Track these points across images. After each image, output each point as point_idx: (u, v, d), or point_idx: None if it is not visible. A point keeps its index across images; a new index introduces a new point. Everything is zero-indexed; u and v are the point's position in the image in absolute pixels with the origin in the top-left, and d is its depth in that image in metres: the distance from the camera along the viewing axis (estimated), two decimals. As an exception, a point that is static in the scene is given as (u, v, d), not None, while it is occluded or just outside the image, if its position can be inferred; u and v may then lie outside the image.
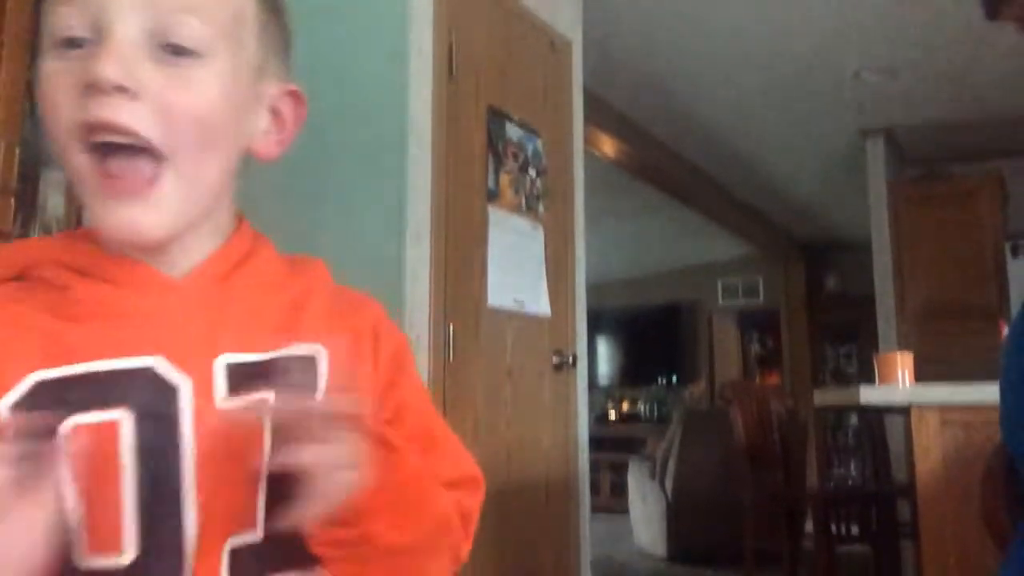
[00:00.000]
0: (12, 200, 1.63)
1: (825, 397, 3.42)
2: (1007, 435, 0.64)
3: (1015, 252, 4.73)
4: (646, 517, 4.90)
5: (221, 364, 0.58)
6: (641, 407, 8.50)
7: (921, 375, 2.71)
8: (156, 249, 0.60)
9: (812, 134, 5.26)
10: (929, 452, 2.28)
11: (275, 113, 0.66)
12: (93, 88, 0.54)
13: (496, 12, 2.58)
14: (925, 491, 2.27)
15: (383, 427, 0.60)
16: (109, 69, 0.54)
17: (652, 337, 8.41)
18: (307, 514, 0.53)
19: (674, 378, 8.41)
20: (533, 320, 2.59)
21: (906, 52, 4.12)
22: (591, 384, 3.01)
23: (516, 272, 2.53)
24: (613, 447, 7.34)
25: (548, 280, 2.66)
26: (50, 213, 2.04)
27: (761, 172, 6.00)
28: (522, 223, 2.58)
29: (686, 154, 5.55)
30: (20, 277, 0.60)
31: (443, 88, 2.31)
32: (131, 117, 0.55)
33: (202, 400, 0.57)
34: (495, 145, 2.50)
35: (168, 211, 0.58)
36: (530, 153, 2.65)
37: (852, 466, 6.74)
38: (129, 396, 0.55)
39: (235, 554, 0.56)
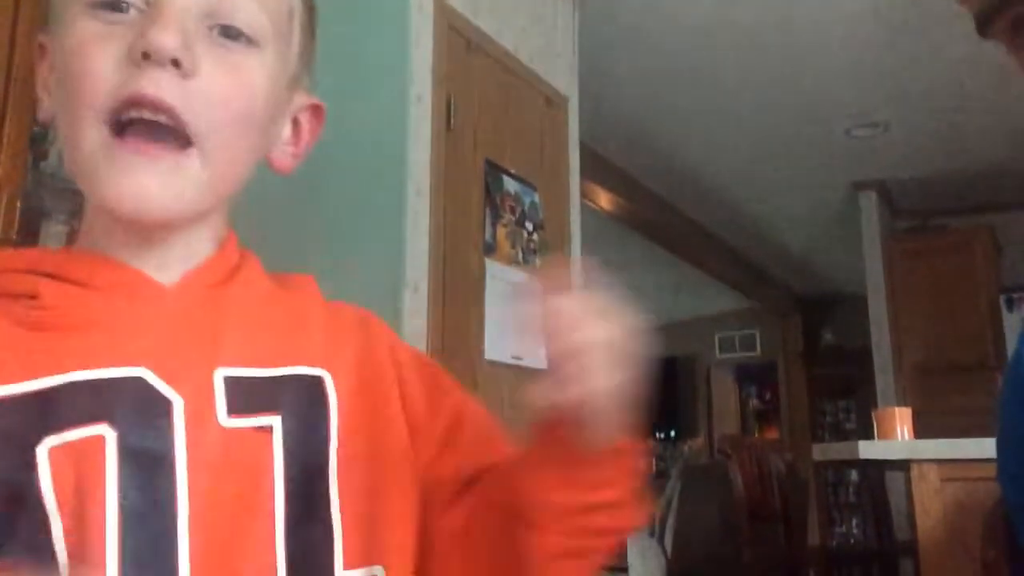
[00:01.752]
0: (11, 252, 1.63)
1: (824, 452, 3.39)
2: (1004, 489, 0.64)
3: (1010, 305, 4.75)
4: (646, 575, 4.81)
5: (220, 378, 0.51)
6: (639, 462, 8.41)
7: (920, 429, 2.70)
8: (157, 238, 0.54)
9: (805, 188, 5.32)
10: (930, 509, 2.25)
11: (295, 124, 0.62)
12: (145, 57, 0.49)
13: (494, 67, 2.63)
14: (927, 549, 2.24)
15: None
16: (169, 39, 0.49)
17: (649, 391, 8.36)
18: (592, 433, 0.48)
19: (672, 432, 8.35)
20: (530, 374, 2.58)
21: (897, 107, 4.19)
22: (588, 438, 2.98)
23: (514, 327, 2.52)
24: (611, 503, 7.25)
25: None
26: (49, 265, 2.04)
27: (756, 226, 6.05)
28: (520, 277, 2.59)
29: (682, 208, 5.60)
30: None
31: (441, 139, 2.34)
32: (178, 96, 0.50)
33: (200, 419, 0.50)
34: (492, 198, 2.52)
35: (188, 187, 0.52)
36: (527, 206, 2.67)
37: (853, 523, 6.65)
38: (114, 410, 0.48)
39: None
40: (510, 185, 2.61)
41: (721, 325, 8.30)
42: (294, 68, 0.59)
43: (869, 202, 5.18)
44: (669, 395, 8.38)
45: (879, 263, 5.07)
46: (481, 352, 2.38)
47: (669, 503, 4.79)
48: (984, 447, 2.17)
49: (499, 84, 2.65)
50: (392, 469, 0.57)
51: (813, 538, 5.68)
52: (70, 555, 0.45)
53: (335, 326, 0.60)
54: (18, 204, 1.64)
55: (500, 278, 2.50)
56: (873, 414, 2.78)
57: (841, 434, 7.45)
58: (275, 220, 2.31)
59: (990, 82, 3.72)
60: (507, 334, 2.49)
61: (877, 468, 3.67)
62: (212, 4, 0.52)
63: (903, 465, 2.39)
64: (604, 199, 4.73)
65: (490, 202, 2.51)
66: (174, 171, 0.51)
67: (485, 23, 2.60)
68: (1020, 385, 0.63)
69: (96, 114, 0.50)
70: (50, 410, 0.47)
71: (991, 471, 0.67)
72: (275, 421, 0.52)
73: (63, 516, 0.46)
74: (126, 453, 0.47)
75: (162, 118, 0.50)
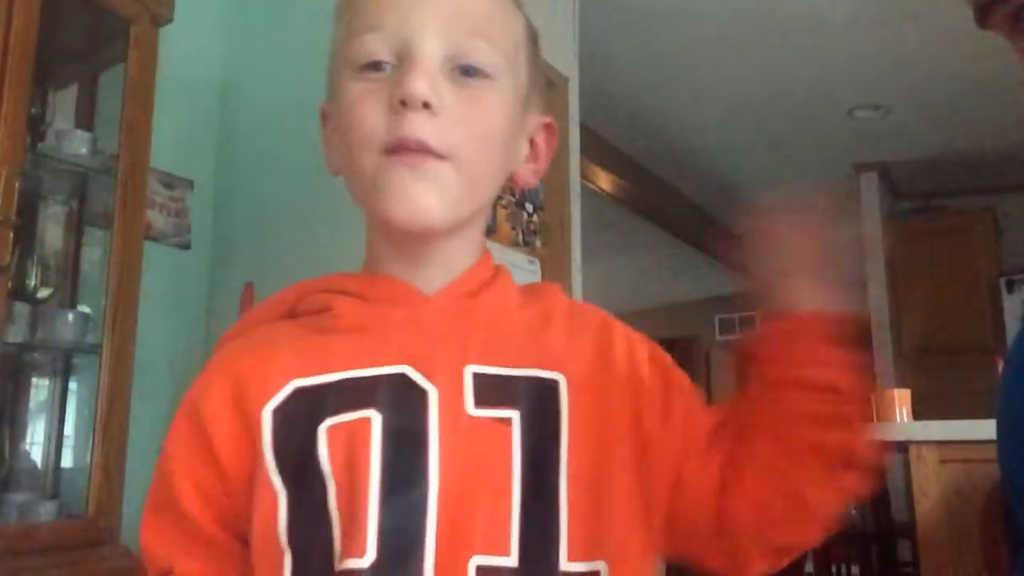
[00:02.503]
0: (11, 233, 1.63)
1: (823, 433, 3.39)
2: (1004, 471, 0.64)
3: (1010, 288, 4.75)
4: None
5: (469, 374, 0.60)
6: (638, 443, 8.45)
7: (918, 411, 2.70)
8: (429, 249, 0.64)
9: (806, 170, 5.30)
10: (928, 491, 2.26)
11: (532, 143, 0.71)
12: (403, 104, 0.59)
13: (494, 50, 2.62)
14: (925, 531, 2.25)
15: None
16: (420, 86, 0.59)
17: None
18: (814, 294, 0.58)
19: (671, 414, 8.37)
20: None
21: (899, 89, 4.17)
22: (588, 420, 2.99)
23: (513, 307, 2.53)
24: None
25: (545, 315, 2.66)
26: (48, 246, 2.04)
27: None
28: (519, 258, 2.59)
29: (682, 189, 5.59)
30: (291, 315, 0.67)
31: (441, 124, 2.33)
32: (430, 132, 0.60)
33: (450, 407, 0.59)
34: (493, 180, 2.52)
35: (446, 193, 0.61)
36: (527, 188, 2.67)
37: (851, 504, 6.68)
38: (380, 398, 0.58)
39: (481, 572, 0.55)
40: (510, 167, 2.61)
41: (721, 306, 8.31)
42: (524, 91, 0.68)
43: (870, 183, 5.17)
44: (669, 377, 8.40)
45: (879, 245, 5.07)
46: (481, 334, 2.39)
47: (668, 484, 4.81)
48: (983, 429, 2.18)
49: (499, 65, 2.64)
50: (618, 471, 0.62)
51: (811, 519, 5.71)
52: (341, 513, 0.56)
53: (576, 330, 0.68)
54: (16, 185, 1.64)
55: (500, 259, 2.49)
56: (872, 396, 2.78)
57: (840, 416, 7.48)
58: (280, 203, 2.30)
59: (992, 64, 3.70)
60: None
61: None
62: (453, 50, 0.62)
63: (902, 447, 2.40)
64: (604, 180, 4.71)
65: (490, 184, 2.51)
66: (435, 177, 0.60)
67: (485, 3, 2.58)
68: (1022, 366, 0.63)
69: (372, 149, 0.61)
70: (332, 398, 0.59)
71: (990, 453, 0.67)
72: (514, 415, 0.59)
73: (337, 482, 0.56)
74: (388, 432, 0.57)
75: (421, 155, 0.60)
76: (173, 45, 2.16)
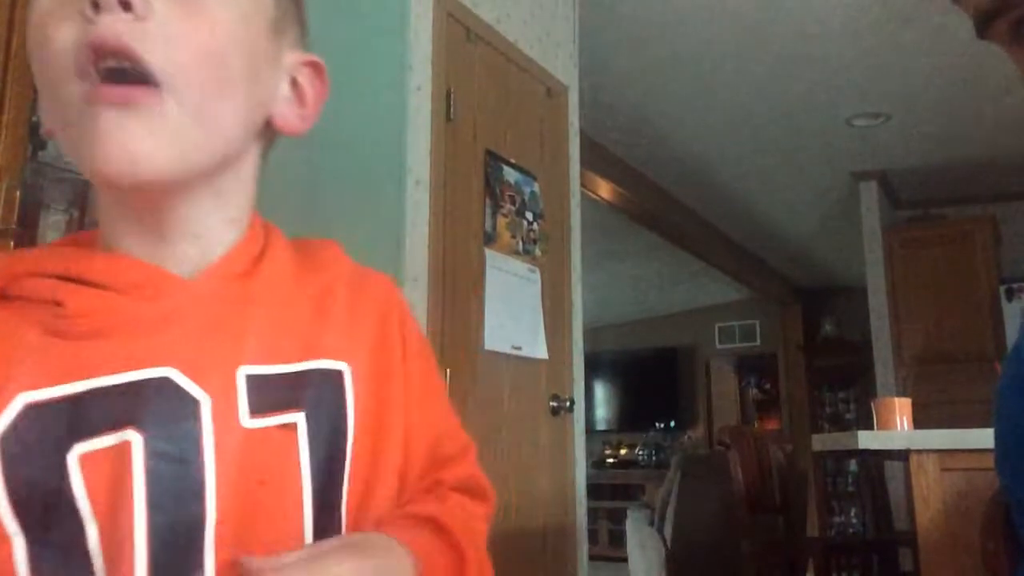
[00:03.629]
0: (11, 242, 1.63)
1: (823, 442, 3.39)
2: (1003, 479, 0.64)
3: (1010, 295, 4.75)
4: (645, 565, 4.82)
5: (242, 377, 0.51)
6: (639, 453, 8.43)
7: (919, 419, 2.70)
8: (165, 197, 0.52)
9: (806, 178, 5.31)
10: (929, 500, 2.26)
11: (295, 85, 0.60)
12: (96, 8, 0.47)
13: (494, 56, 2.62)
14: (926, 540, 2.24)
15: (431, 509, 0.57)
16: None
17: (649, 381, 8.38)
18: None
19: (672, 423, 8.36)
20: (530, 364, 2.58)
21: (898, 97, 4.18)
22: (588, 429, 2.99)
23: (513, 315, 2.53)
24: (610, 494, 7.27)
25: (545, 323, 2.66)
26: (48, 255, 2.04)
27: (756, 216, 6.05)
28: (519, 266, 2.59)
29: (682, 198, 5.59)
30: (2, 297, 0.52)
31: (441, 129, 2.33)
32: (134, 38, 0.48)
33: (224, 418, 0.49)
34: (492, 188, 2.52)
35: (171, 136, 0.49)
36: (527, 197, 2.67)
37: (852, 513, 6.66)
38: (141, 414, 0.48)
39: None
40: (510, 175, 2.61)
41: (721, 315, 8.31)
42: (272, 15, 0.56)
43: (870, 192, 5.17)
44: (669, 385, 8.40)
45: (879, 253, 5.07)
46: (481, 342, 2.39)
47: (669, 494, 4.80)
48: (984, 437, 2.17)
49: (499, 74, 2.65)
50: (385, 463, 0.58)
51: (812, 528, 5.70)
52: (105, 559, 0.46)
53: (359, 306, 0.59)
54: (17, 194, 1.64)
55: (500, 268, 2.50)
56: (872, 404, 2.78)
57: (841, 424, 7.47)
58: (274, 210, 2.30)
59: (992, 72, 3.71)
60: (507, 324, 2.49)
61: (876, 458, 3.67)
62: None
63: (902, 455, 2.40)
64: (604, 189, 4.72)
65: (490, 192, 2.51)
66: (150, 113, 0.49)
67: (485, 12, 2.59)
68: (1020, 374, 0.63)
69: (64, 75, 0.49)
70: (79, 416, 0.47)
71: (990, 461, 0.67)
72: (299, 417, 0.52)
73: (98, 521, 0.46)
74: (153, 457, 0.47)
75: (126, 64, 0.48)
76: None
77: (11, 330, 0.49)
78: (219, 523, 0.48)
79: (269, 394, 0.51)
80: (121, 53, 0.48)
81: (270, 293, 0.55)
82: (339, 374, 0.55)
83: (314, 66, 0.61)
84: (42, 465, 0.46)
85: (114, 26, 0.47)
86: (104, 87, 0.48)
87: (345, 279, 0.60)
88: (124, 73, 0.48)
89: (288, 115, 0.59)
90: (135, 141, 0.48)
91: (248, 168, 0.58)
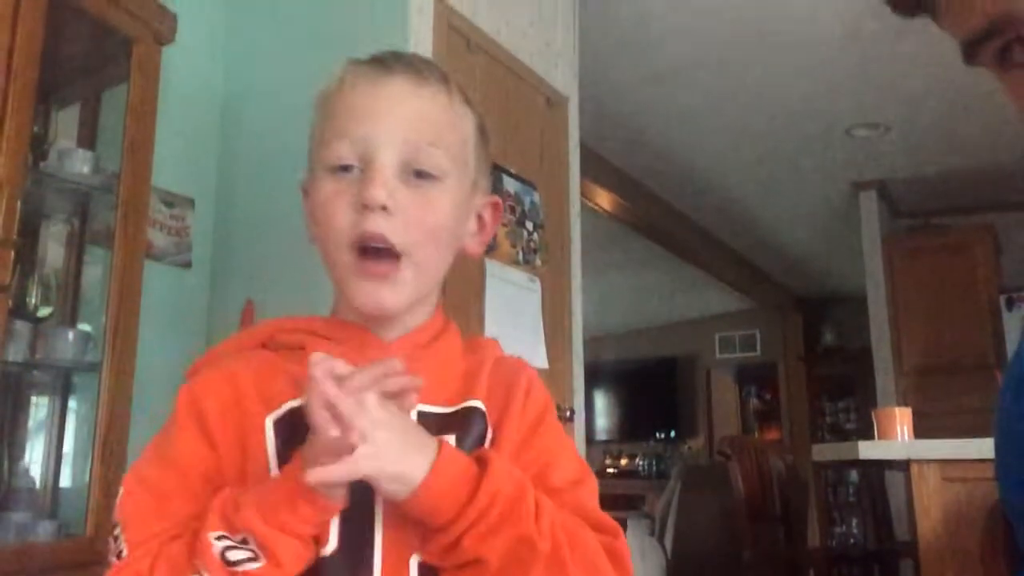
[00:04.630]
0: (12, 252, 1.63)
1: (824, 452, 3.39)
2: (1003, 489, 0.64)
3: (1010, 305, 4.75)
4: (645, 575, 4.81)
5: (415, 412, 0.71)
6: (639, 463, 8.41)
7: (919, 429, 2.70)
8: (389, 320, 0.76)
9: (806, 188, 5.32)
10: (930, 509, 2.25)
11: (479, 218, 0.83)
12: (365, 207, 0.71)
13: (494, 66, 2.63)
14: (927, 549, 2.24)
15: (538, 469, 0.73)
16: (377, 193, 0.71)
17: (649, 391, 8.37)
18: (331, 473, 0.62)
19: (672, 433, 8.35)
20: (530, 373, 2.58)
21: (897, 107, 4.19)
22: (588, 439, 2.99)
23: (513, 326, 2.53)
24: (611, 504, 7.25)
25: (545, 333, 2.66)
26: (49, 265, 2.04)
27: (756, 226, 6.06)
28: (519, 276, 2.59)
29: (682, 208, 5.60)
30: (266, 345, 0.77)
31: (441, 143, 2.34)
32: (388, 229, 0.72)
33: None
34: (492, 199, 2.52)
35: (404, 291, 0.74)
36: (527, 207, 2.68)
37: (853, 523, 6.65)
38: None
39: (423, 569, 0.67)
40: (510, 185, 2.61)
41: (721, 325, 8.30)
42: (472, 178, 0.80)
43: (869, 202, 5.18)
44: (669, 395, 8.39)
45: (879, 262, 5.07)
46: (481, 352, 2.38)
47: (669, 503, 4.79)
48: (984, 447, 2.17)
49: (499, 84, 2.65)
50: None
51: (813, 538, 5.68)
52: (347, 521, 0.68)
53: (498, 373, 0.79)
54: (18, 204, 1.64)
55: (500, 278, 2.50)
56: (873, 414, 2.78)
57: (841, 434, 7.46)
58: (284, 220, 2.31)
59: (990, 82, 3.71)
60: (507, 334, 2.49)
61: (877, 468, 3.67)
62: (407, 157, 0.73)
63: (903, 465, 2.39)
64: (604, 199, 4.73)
65: (490, 202, 2.51)
66: (395, 283, 0.73)
67: (485, 23, 2.60)
68: (1020, 383, 0.63)
69: (343, 245, 0.73)
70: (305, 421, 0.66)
71: (991, 471, 0.67)
72: (450, 438, 0.71)
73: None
74: None
75: (380, 244, 0.72)
76: (175, 64, 2.18)
77: (275, 360, 0.75)
78: (385, 502, 0.67)
79: (431, 427, 0.69)
80: (380, 240, 0.72)
81: (440, 360, 0.78)
82: (481, 410, 0.75)
83: (493, 205, 0.84)
84: (296, 450, 0.66)
85: (377, 221, 0.71)
86: (369, 263, 0.73)
87: (492, 359, 0.81)
88: (378, 250, 0.73)
89: (472, 243, 0.83)
90: (386, 298, 0.74)
91: (440, 278, 0.81)
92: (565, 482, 0.75)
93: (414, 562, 0.67)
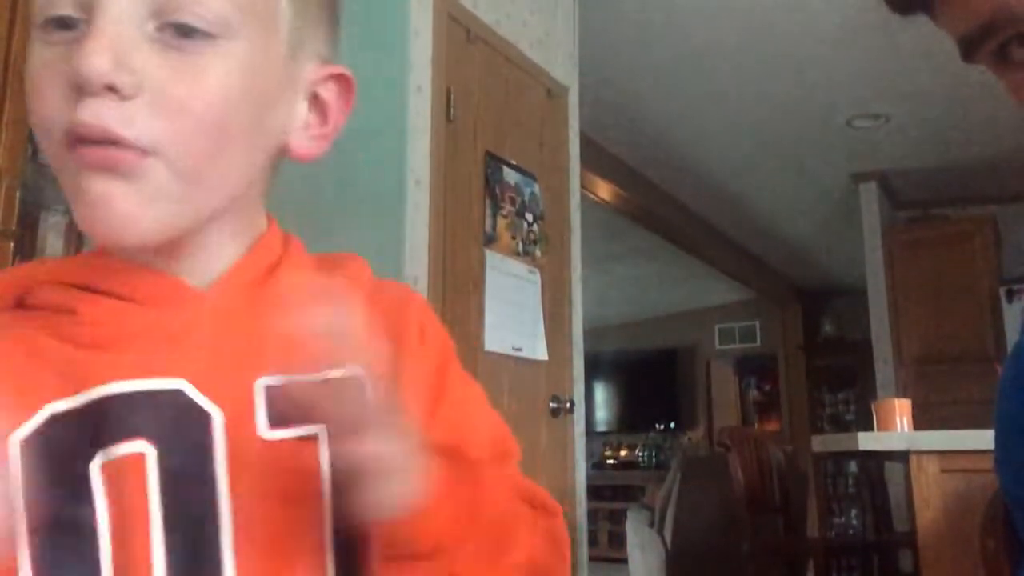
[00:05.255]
0: (11, 244, 1.63)
1: (824, 443, 3.39)
2: (1002, 480, 0.64)
3: (1010, 297, 4.75)
4: (645, 567, 4.82)
5: (260, 387, 0.49)
6: (639, 454, 8.43)
7: (919, 420, 2.70)
8: (150, 251, 0.50)
9: (806, 179, 5.32)
10: (929, 501, 2.26)
11: (315, 100, 0.55)
12: (79, 87, 0.44)
13: (494, 57, 2.63)
14: (926, 541, 2.24)
15: (454, 439, 0.53)
16: (96, 62, 0.44)
17: (649, 382, 8.38)
18: (362, 520, 0.46)
19: (672, 424, 8.36)
20: (530, 365, 2.58)
21: (897, 99, 4.18)
22: (588, 430, 2.99)
23: (513, 316, 2.53)
24: (611, 495, 7.27)
25: (545, 324, 2.66)
26: (48, 256, 2.04)
27: (757, 217, 6.05)
28: (519, 267, 2.59)
29: (682, 199, 5.60)
30: (19, 306, 0.51)
31: (441, 129, 2.34)
32: (116, 118, 0.45)
33: (240, 431, 0.48)
34: (492, 189, 2.52)
35: (160, 201, 0.47)
36: (527, 197, 2.67)
37: (852, 514, 6.66)
38: (154, 426, 0.47)
39: None
40: (510, 176, 2.61)
41: (721, 316, 8.30)
42: (288, 38, 0.52)
43: (869, 193, 5.17)
44: (669, 386, 8.40)
45: (879, 254, 5.07)
46: (481, 343, 2.39)
47: (669, 495, 4.80)
48: (984, 438, 2.17)
49: (499, 74, 2.65)
50: None
51: (812, 529, 5.69)
52: (116, 572, 0.45)
53: (374, 316, 0.55)
54: (17, 195, 1.64)
55: (500, 269, 2.50)
56: (873, 405, 2.78)
57: (841, 425, 7.47)
58: (274, 212, 2.30)
59: (990, 74, 3.70)
60: (507, 325, 2.49)
61: (877, 459, 3.67)
62: (157, 2, 0.46)
63: (902, 456, 2.40)
64: (604, 190, 4.72)
65: (490, 193, 2.51)
66: (136, 177, 0.46)
67: (485, 13, 2.59)
68: (1020, 374, 0.63)
69: (54, 143, 0.47)
70: (97, 426, 0.46)
71: (990, 462, 0.67)
72: (320, 429, 0.49)
73: (112, 532, 0.46)
74: (166, 471, 0.46)
75: (101, 140, 0.45)
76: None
77: (31, 339, 0.48)
78: (236, 535, 0.47)
79: (290, 405, 0.48)
80: (99, 135, 0.45)
81: (287, 302, 0.50)
82: (361, 381, 0.51)
83: (339, 79, 0.55)
84: (64, 477, 0.46)
85: (98, 111, 0.45)
86: (88, 150, 0.45)
87: (365, 290, 0.57)
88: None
89: (305, 140, 0.55)
90: (119, 204, 0.46)
91: (256, 190, 0.55)
92: (488, 452, 0.58)
93: None
